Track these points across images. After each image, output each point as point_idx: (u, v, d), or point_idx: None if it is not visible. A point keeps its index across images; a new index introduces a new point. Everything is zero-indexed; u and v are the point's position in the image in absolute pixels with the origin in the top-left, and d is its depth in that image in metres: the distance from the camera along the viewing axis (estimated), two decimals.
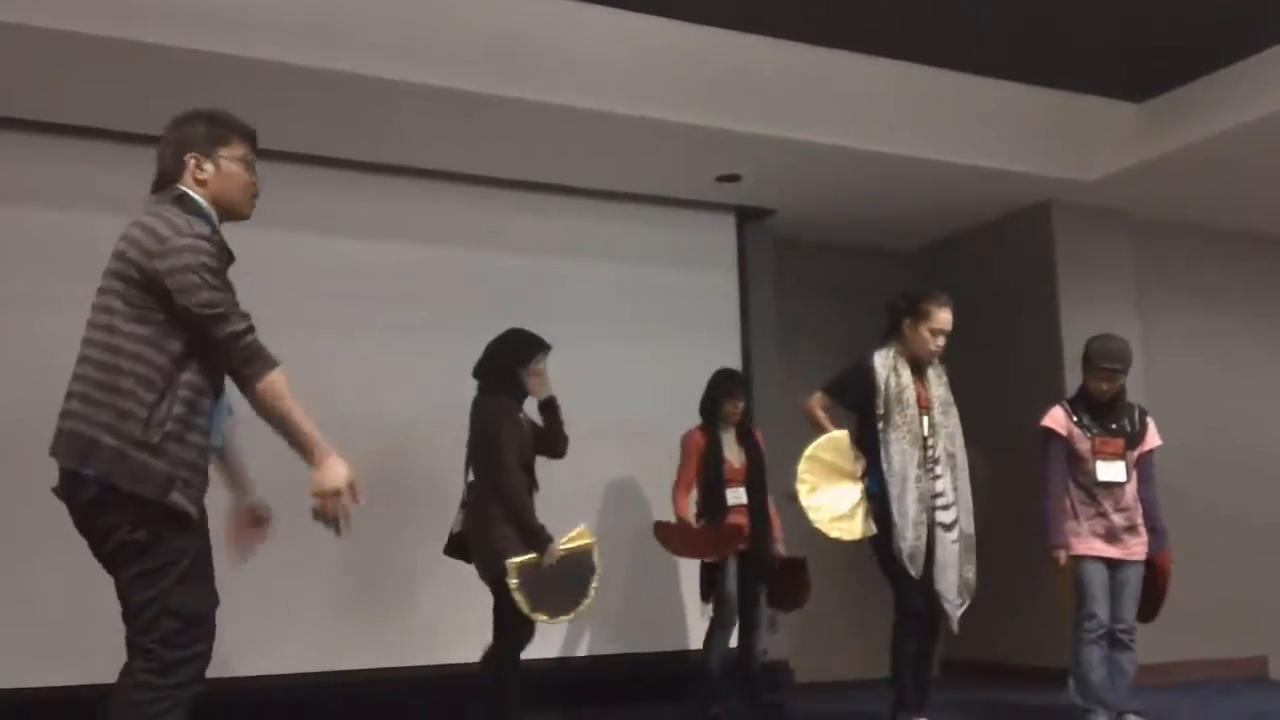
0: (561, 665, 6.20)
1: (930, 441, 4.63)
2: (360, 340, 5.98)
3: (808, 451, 4.68)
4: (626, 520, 6.44)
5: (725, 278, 7.04)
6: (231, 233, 2.95)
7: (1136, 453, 4.94)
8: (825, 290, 7.67)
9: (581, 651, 6.32)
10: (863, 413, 4.75)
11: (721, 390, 5.74)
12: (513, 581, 4.56)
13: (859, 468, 4.69)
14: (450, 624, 5.71)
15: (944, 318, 4.71)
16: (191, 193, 2.87)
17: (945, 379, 4.83)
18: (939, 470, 4.61)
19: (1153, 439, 5.00)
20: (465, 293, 6.27)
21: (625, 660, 6.39)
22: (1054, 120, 6.45)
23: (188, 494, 2.72)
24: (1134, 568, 4.87)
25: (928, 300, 4.72)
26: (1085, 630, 4.81)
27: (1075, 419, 4.93)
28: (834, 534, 4.64)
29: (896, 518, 4.53)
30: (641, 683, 6.31)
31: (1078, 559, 4.85)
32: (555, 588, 4.66)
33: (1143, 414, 5.04)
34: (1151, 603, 4.98)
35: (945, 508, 4.59)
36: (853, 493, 4.65)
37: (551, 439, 4.99)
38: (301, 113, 5.48)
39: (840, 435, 4.73)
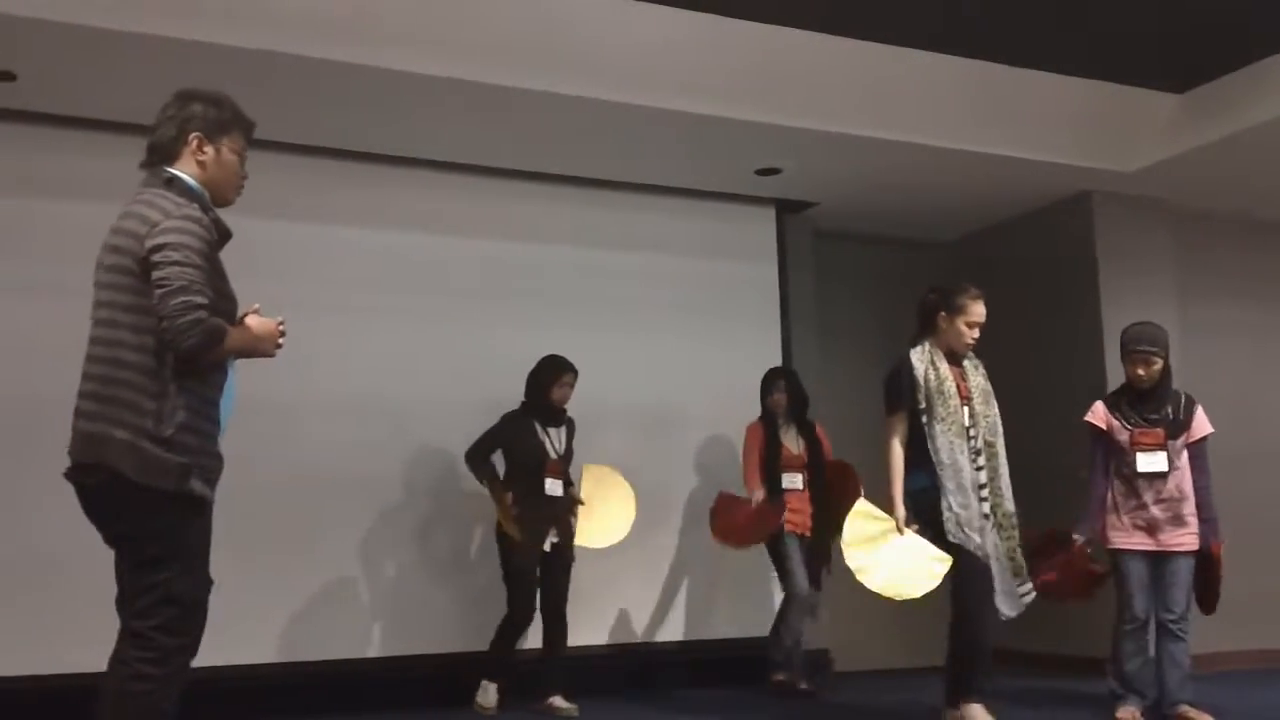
0: (622, 651, 6.34)
1: (972, 432, 4.64)
2: (405, 331, 6.10)
3: (845, 540, 4.57)
4: (672, 510, 6.52)
5: (765, 269, 7.09)
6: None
7: (1182, 441, 4.90)
8: (864, 281, 7.70)
9: (650, 638, 6.45)
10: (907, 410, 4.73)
11: (764, 386, 6.13)
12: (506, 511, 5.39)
13: (894, 520, 4.59)
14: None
15: (979, 310, 4.73)
16: (182, 175, 2.87)
17: (982, 369, 4.85)
18: (981, 460, 4.63)
19: (1202, 427, 4.95)
20: (511, 285, 6.37)
21: (695, 646, 6.52)
22: (1094, 111, 6.43)
23: (205, 479, 2.77)
24: (1181, 560, 4.83)
25: (962, 294, 4.74)
26: (1123, 622, 4.85)
27: (1115, 411, 4.93)
28: (918, 594, 4.50)
29: (958, 509, 4.50)
30: (711, 668, 6.44)
31: (1117, 553, 4.87)
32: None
33: (1189, 402, 4.99)
34: (1208, 594, 4.94)
35: (984, 499, 4.60)
36: (901, 543, 4.55)
37: None
38: (345, 109, 5.58)
39: (860, 506, 4.67)
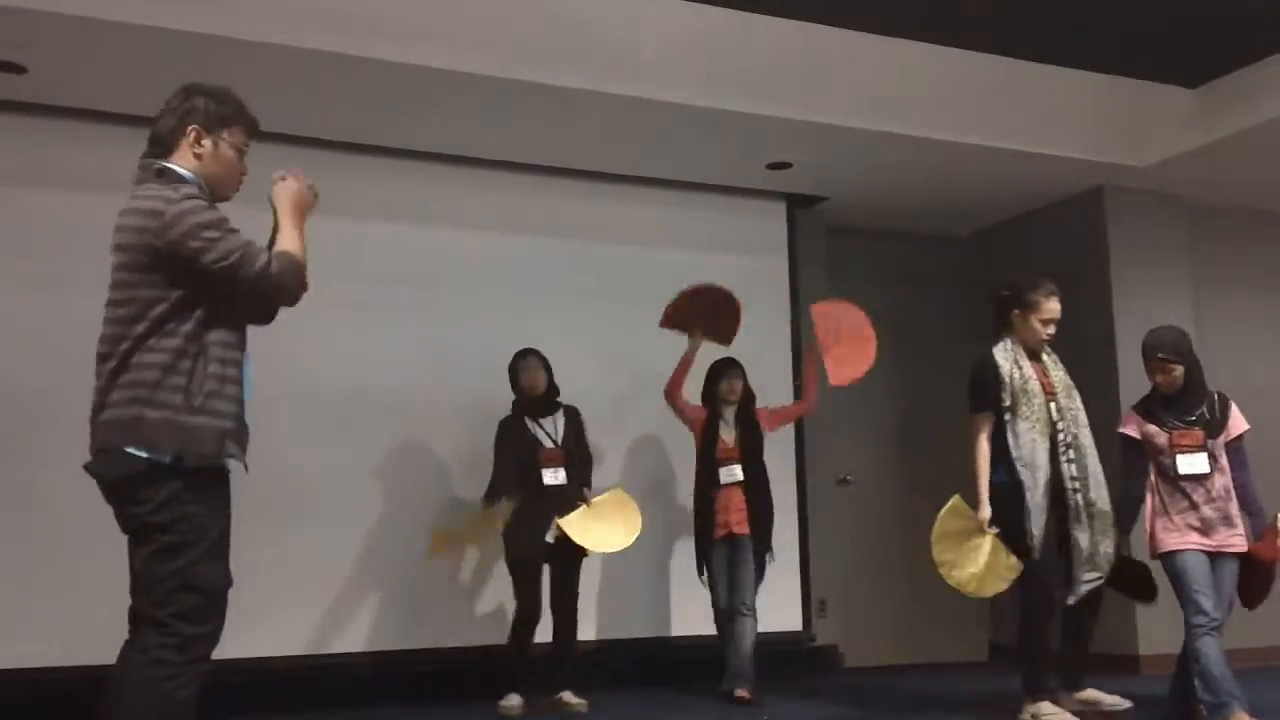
0: (596, 648, 6.26)
1: (1060, 427, 4.66)
2: (406, 326, 6.12)
3: (935, 534, 4.62)
4: (662, 506, 6.51)
5: (776, 265, 7.07)
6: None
7: (1221, 440, 4.76)
8: (877, 276, 7.67)
9: (617, 635, 6.38)
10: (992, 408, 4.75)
11: (719, 372, 5.92)
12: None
13: (982, 518, 4.65)
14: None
15: (1054, 307, 4.79)
16: (173, 166, 2.86)
17: (1060, 363, 4.87)
18: (1071, 455, 4.64)
19: (1238, 424, 4.81)
20: (516, 279, 6.37)
21: (651, 644, 6.45)
22: (1108, 105, 6.41)
23: (239, 443, 2.79)
24: (1230, 563, 4.68)
25: (1036, 290, 4.78)
26: (1196, 626, 4.53)
27: (1149, 417, 4.79)
28: (989, 594, 4.65)
29: (1032, 506, 4.55)
30: (671, 667, 6.37)
31: (1173, 554, 4.64)
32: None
33: (1223, 400, 4.84)
34: (1258, 589, 4.77)
35: (1076, 491, 4.62)
36: (983, 542, 4.62)
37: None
38: (348, 102, 5.58)
39: (955, 503, 4.69)
